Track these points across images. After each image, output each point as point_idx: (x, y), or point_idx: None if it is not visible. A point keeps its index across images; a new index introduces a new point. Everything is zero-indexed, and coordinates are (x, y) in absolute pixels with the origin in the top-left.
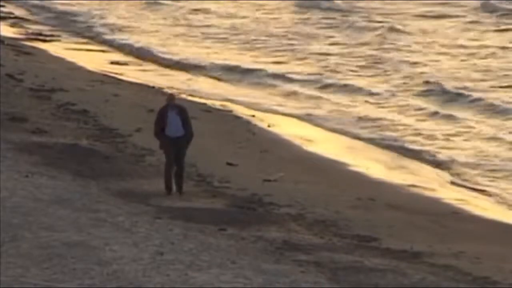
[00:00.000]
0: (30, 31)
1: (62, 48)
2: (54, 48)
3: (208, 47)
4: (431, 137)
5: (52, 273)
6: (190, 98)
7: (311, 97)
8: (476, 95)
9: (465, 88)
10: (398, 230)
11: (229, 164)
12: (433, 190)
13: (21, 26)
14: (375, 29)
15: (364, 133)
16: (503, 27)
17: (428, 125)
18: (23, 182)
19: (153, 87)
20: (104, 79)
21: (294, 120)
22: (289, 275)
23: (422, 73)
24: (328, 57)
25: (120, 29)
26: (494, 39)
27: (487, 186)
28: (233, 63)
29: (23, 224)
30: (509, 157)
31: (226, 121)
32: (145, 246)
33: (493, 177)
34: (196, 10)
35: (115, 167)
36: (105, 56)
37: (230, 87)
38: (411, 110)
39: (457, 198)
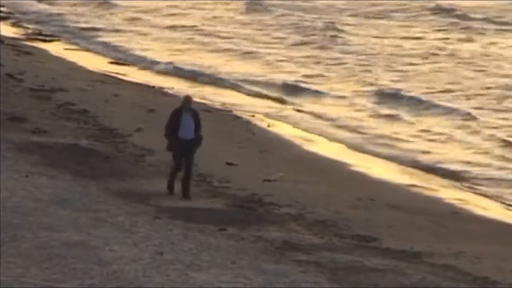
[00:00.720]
0: (30, 31)
1: (62, 48)
2: (54, 48)
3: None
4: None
5: (52, 273)
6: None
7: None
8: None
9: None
10: (398, 230)
11: (229, 164)
12: (433, 190)
13: (21, 26)
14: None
15: None
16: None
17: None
18: (23, 182)
19: (153, 87)
20: (104, 79)
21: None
22: (289, 275)
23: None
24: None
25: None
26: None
27: None
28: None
29: (23, 224)
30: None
31: (226, 121)
32: (145, 246)
33: None
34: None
35: (115, 167)
36: (105, 56)
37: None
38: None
39: (457, 198)
